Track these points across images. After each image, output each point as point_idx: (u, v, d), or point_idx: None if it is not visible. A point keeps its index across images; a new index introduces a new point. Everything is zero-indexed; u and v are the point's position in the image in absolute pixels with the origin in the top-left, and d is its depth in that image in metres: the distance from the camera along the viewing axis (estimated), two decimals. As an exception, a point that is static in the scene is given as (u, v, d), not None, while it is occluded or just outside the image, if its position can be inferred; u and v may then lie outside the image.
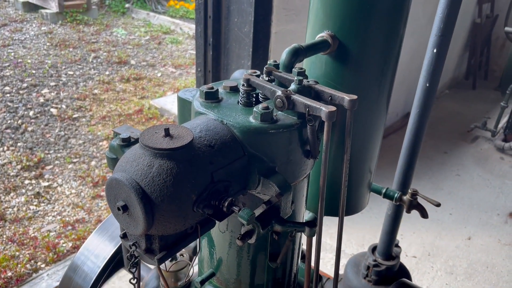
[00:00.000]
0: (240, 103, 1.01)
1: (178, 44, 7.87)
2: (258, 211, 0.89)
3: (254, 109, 0.94)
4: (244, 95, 1.00)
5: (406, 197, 1.64)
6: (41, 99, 5.23)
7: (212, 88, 1.02)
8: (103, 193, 3.73)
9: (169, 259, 1.32)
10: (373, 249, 2.00)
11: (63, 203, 3.59)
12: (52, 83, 5.72)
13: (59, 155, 4.23)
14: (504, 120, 4.65)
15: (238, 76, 1.38)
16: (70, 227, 3.28)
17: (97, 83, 5.86)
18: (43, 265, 2.91)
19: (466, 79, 6.71)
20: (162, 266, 1.31)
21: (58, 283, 2.70)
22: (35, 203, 3.55)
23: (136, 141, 1.02)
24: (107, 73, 6.24)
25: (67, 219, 3.36)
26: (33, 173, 3.91)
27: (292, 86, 0.98)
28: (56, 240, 3.11)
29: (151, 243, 0.87)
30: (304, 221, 1.09)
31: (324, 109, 0.88)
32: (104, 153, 4.34)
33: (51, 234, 3.19)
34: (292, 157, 0.99)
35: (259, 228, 0.88)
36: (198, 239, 0.94)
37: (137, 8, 9.51)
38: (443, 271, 3.02)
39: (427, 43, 1.60)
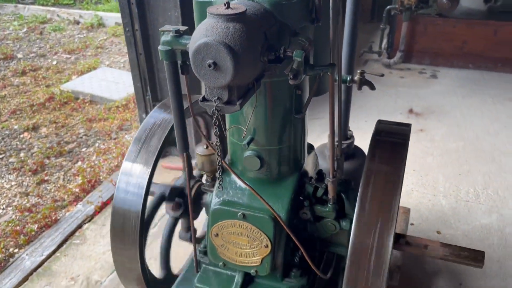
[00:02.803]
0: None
1: (61, 31, 7.51)
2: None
3: (275, -13, 1.23)
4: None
5: (357, 77, 2.07)
6: None
7: (231, -18, 1.29)
8: (47, 177, 3.67)
9: (204, 146, 1.57)
10: (332, 135, 2.43)
11: (8, 195, 3.48)
12: None
13: (-20, 155, 3.99)
14: (385, 41, 5.42)
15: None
16: (27, 213, 3.22)
17: (-10, 82, 5.46)
18: (16, 250, 2.88)
19: (343, 18, 7.50)
20: (199, 151, 1.56)
21: (42, 257, 2.74)
22: (-24, 203, 3.39)
23: (184, 32, 1.25)
24: (-4, 70, 5.81)
25: (21, 207, 3.29)
26: (-40, 177, 3.68)
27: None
28: (20, 227, 3.06)
29: (231, 94, 1.14)
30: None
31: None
32: (29, 144, 4.20)
33: (10, 224, 3.11)
34: (303, 23, 1.31)
35: (304, 67, 1.19)
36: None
37: (0, 3, 8.74)
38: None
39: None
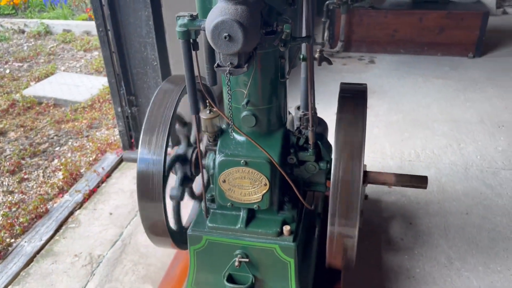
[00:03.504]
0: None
1: (7, 41, 7.45)
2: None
3: (262, -21, 1.63)
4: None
5: (317, 55, 2.51)
6: None
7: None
8: (26, 176, 3.83)
9: (208, 111, 1.93)
10: (298, 107, 2.86)
11: (-10, 195, 3.61)
12: None
13: (-48, 162, 4.05)
14: (326, 33, 5.98)
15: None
16: (16, 207, 3.39)
17: None
18: (12, 240, 3.06)
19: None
20: (203, 115, 1.92)
21: (42, 242, 2.96)
22: (-41, 205, 3.50)
23: (196, 16, 1.61)
24: None
25: (9, 203, 3.45)
26: None
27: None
28: (12, 220, 3.23)
29: (240, 60, 1.52)
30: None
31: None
32: (0, 148, 4.30)
33: (2, 217, 3.27)
34: (284, 6, 1.72)
35: (290, 39, 1.59)
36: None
37: None
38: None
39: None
